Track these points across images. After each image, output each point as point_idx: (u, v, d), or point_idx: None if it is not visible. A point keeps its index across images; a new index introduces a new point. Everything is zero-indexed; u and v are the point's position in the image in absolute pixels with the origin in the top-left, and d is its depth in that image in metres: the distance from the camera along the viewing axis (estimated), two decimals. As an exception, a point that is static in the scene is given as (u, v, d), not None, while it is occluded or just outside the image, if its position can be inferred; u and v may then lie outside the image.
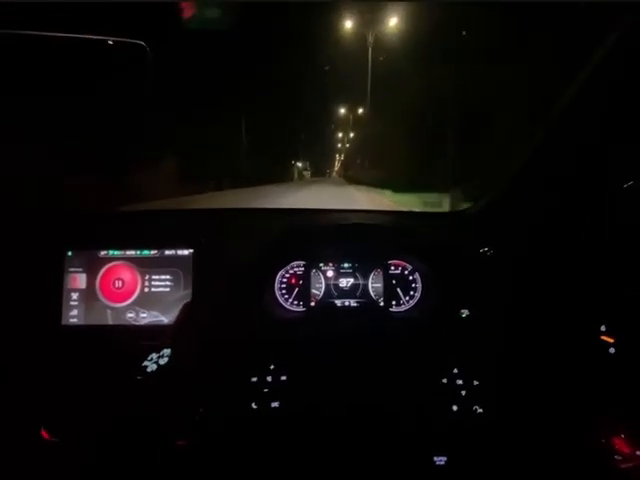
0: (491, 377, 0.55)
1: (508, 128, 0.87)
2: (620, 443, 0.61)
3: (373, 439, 0.53)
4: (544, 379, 0.63)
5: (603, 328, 0.68)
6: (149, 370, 0.46)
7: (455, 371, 0.55)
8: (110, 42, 0.57)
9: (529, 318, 0.72)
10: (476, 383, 0.54)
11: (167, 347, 0.48)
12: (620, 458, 0.60)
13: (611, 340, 0.67)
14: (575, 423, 0.63)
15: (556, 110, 0.69)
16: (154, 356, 0.48)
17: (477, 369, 0.56)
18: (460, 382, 0.55)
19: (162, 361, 0.47)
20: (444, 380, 0.55)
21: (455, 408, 0.53)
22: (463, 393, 0.54)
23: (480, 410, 0.53)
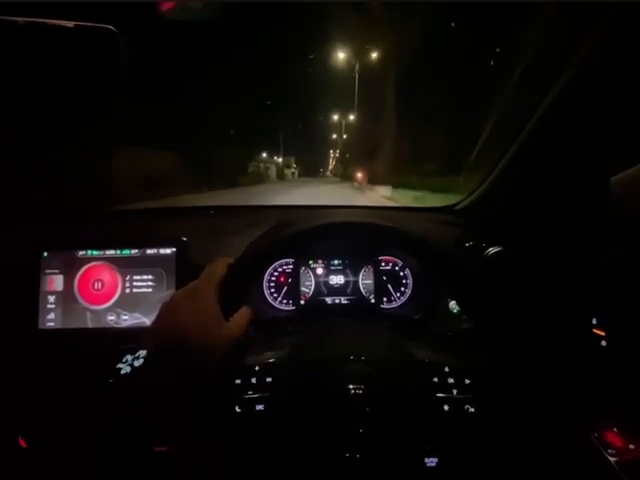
0: (483, 376, 0.54)
1: (496, 121, 0.86)
2: (613, 437, 0.60)
3: (362, 440, 0.51)
4: (535, 374, 0.62)
5: (594, 321, 0.67)
6: (123, 372, 0.43)
7: (446, 369, 0.54)
8: (77, 26, 0.53)
9: (520, 313, 0.71)
10: (467, 382, 0.53)
11: (143, 348, 0.45)
12: (613, 452, 0.59)
13: (602, 333, 0.66)
14: (567, 417, 0.62)
15: (545, 102, 0.68)
16: (129, 358, 0.45)
17: (469, 367, 0.54)
18: (451, 381, 0.53)
19: (137, 363, 0.44)
20: (435, 379, 0.53)
21: (446, 408, 0.52)
22: (454, 392, 0.52)
23: (472, 410, 0.51)
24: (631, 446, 0.59)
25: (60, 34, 0.55)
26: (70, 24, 0.55)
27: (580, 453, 0.61)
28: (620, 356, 0.64)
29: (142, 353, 0.45)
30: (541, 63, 0.74)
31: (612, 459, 0.59)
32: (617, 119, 0.64)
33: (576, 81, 0.61)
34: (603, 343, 0.65)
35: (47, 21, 0.55)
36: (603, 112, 0.64)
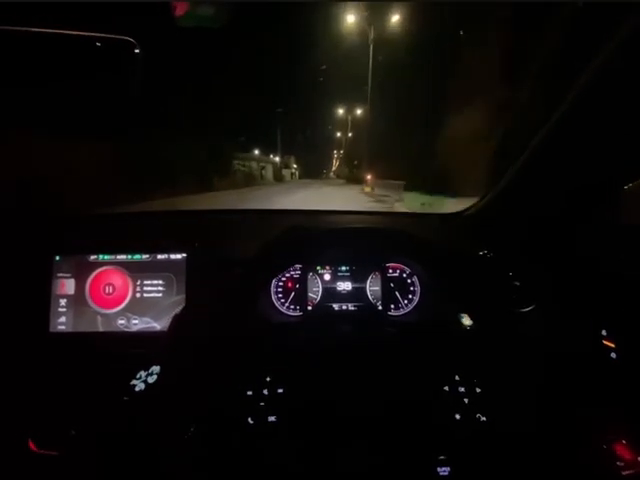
0: (494, 384, 0.54)
1: (507, 129, 0.86)
2: (622, 449, 0.60)
3: (375, 450, 0.51)
4: (547, 384, 0.62)
5: (604, 332, 0.67)
6: (137, 390, 0.44)
7: (457, 378, 0.54)
8: (98, 38, 0.54)
9: (530, 322, 0.71)
10: (479, 390, 0.53)
11: (156, 364, 0.46)
12: (622, 464, 0.59)
13: (612, 345, 0.66)
14: (577, 429, 0.62)
15: (557, 111, 0.68)
16: (142, 374, 0.45)
17: (480, 376, 0.55)
18: (462, 390, 0.53)
19: (150, 379, 0.44)
20: (446, 388, 0.54)
21: (458, 417, 0.52)
22: (466, 401, 0.52)
23: (483, 419, 0.52)
24: None
25: (78, 45, 0.56)
26: (88, 35, 0.56)
27: (590, 465, 0.60)
28: (630, 367, 0.63)
29: (155, 369, 0.45)
30: (555, 70, 0.74)
31: (621, 471, 0.59)
32: (630, 128, 0.64)
33: (590, 89, 0.61)
34: (613, 355, 0.65)
35: (65, 32, 0.56)
36: (617, 121, 0.64)
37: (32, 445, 0.73)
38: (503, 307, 0.72)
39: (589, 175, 0.71)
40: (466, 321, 0.77)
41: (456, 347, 0.65)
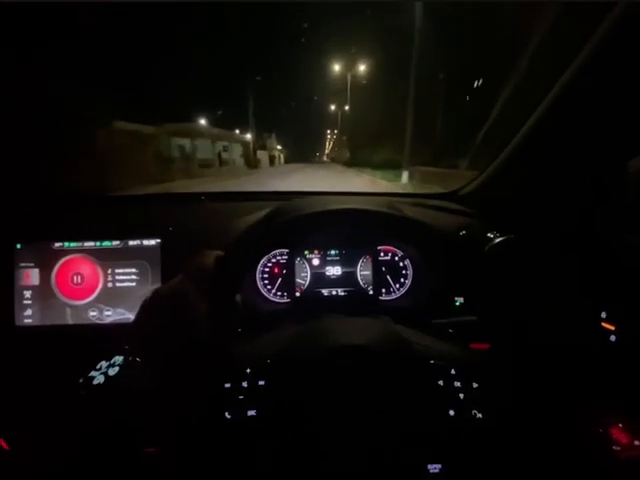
0: (492, 378, 0.50)
1: (505, 102, 0.80)
2: (618, 433, 0.59)
3: (362, 446, 0.47)
4: (545, 370, 0.59)
5: (604, 315, 0.64)
6: (95, 382, 0.39)
7: (452, 372, 0.50)
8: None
9: (528, 306, 0.67)
10: (475, 385, 0.49)
11: (119, 354, 0.41)
12: (619, 448, 0.58)
13: (612, 327, 0.63)
14: (573, 413, 0.60)
15: (558, 85, 0.62)
16: (103, 365, 0.40)
17: (476, 370, 0.51)
18: (458, 384, 0.49)
19: (112, 371, 0.39)
20: (440, 382, 0.50)
21: (452, 413, 0.48)
22: (461, 396, 0.49)
23: (479, 415, 0.48)
24: (637, 442, 0.57)
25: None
26: None
27: (585, 449, 0.59)
28: (628, 351, 0.61)
29: (118, 360, 0.40)
30: (555, 42, 0.68)
31: (617, 455, 0.57)
32: (633, 101, 0.59)
33: (592, 60, 0.56)
34: (612, 338, 0.63)
35: None
36: (621, 92, 0.59)
37: (3, 442, 0.69)
38: (499, 290, 0.68)
39: (591, 149, 0.66)
40: (458, 304, 0.73)
41: (449, 334, 0.61)
